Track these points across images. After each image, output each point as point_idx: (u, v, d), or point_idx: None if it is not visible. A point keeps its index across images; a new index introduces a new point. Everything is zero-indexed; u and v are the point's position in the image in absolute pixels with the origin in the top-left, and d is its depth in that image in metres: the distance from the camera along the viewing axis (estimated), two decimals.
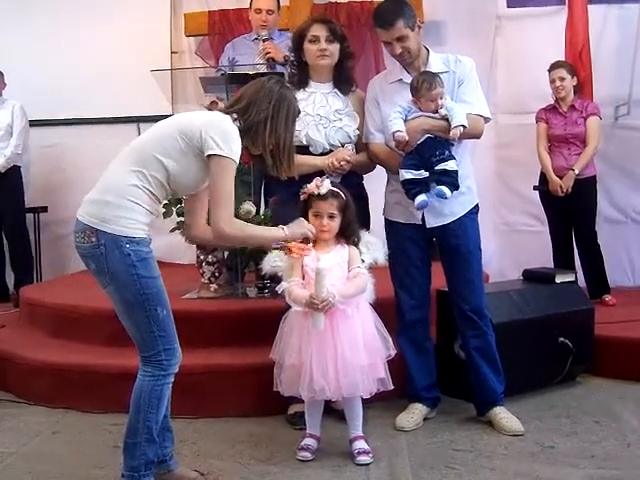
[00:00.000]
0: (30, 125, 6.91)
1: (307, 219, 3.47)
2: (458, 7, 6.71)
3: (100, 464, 3.51)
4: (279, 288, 3.49)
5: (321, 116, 3.90)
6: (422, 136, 3.66)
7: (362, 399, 3.52)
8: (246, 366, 4.18)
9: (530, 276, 4.83)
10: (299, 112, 3.29)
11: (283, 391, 3.52)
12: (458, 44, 6.17)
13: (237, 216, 4.61)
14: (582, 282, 5.43)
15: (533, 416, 3.99)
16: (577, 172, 5.55)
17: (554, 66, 5.70)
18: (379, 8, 3.80)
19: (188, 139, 2.97)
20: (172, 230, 4.89)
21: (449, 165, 3.63)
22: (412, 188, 3.66)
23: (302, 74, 4.02)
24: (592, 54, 6.07)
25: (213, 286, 4.96)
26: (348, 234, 3.51)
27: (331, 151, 3.90)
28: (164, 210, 4.45)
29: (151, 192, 2.97)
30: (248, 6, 5.89)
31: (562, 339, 4.39)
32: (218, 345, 4.38)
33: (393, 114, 3.69)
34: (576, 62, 5.92)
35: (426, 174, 3.64)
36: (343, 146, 3.92)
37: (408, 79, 3.80)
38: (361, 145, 3.98)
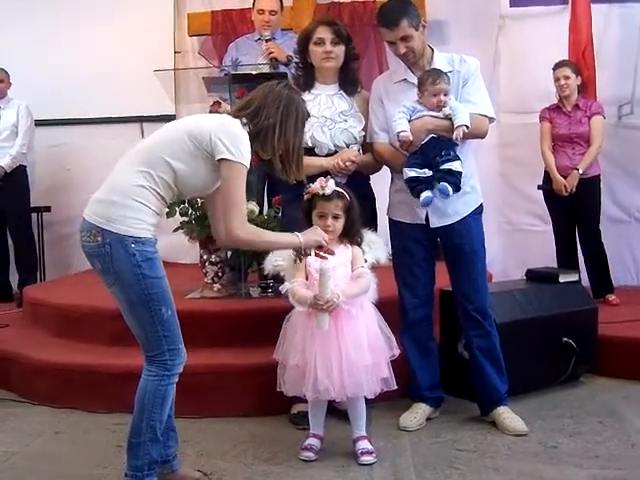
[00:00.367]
0: (35, 125, 6.91)
1: (310, 219, 3.47)
2: (461, 7, 6.70)
3: (103, 464, 3.51)
4: (282, 288, 3.49)
5: (326, 117, 3.91)
6: (426, 136, 3.66)
7: (365, 399, 3.52)
8: (249, 366, 4.18)
9: (533, 276, 4.82)
10: (308, 116, 3.28)
11: (286, 391, 3.51)
12: (461, 44, 6.18)
13: None
14: (586, 281, 5.42)
15: (536, 416, 3.98)
16: (581, 171, 5.55)
17: (559, 65, 5.70)
18: (383, 8, 3.80)
19: (197, 142, 2.97)
20: (175, 230, 4.90)
21: (454, 166, 3.62)
22: (416, 185, 3.65)
23: (307, 76, 4.03)
24: (595, 53, 6.07)
25: (216, 286, 4.96)
26: (352, 234, 3.51)
27: (336, 152, 3.90)
28: (167, 210, 4.45)
29: (158, 193, 2.97)
30: (251, 6, 5.90)
31: (566, 339, 4.38)
32: (221, 345, 4.37)
33: (398, 114, 3.69)
34: (579, 61, 5.92)
35: (430, 173, 3.63)
36: (348, 147, 3.92)
37: (412, 79, 3.80)
38: (367, 146, 3.98)
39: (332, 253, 3.30)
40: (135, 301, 2.93)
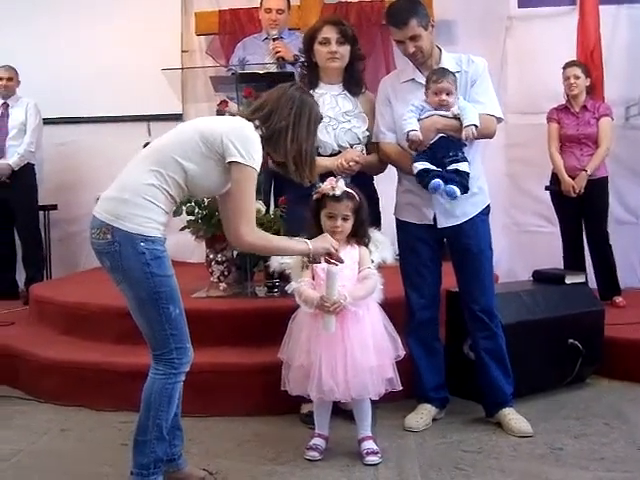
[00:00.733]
0: (42, 123, 6.92)
1: (319, 219, 3.47)
2: (469, 7, 6.70)
3: (109, 462, 3.51)
4: (289, 288, 3.49)
5: (330, 117, 3.90)
6: (435, 135, 3.66)
7: (370, 399, 3.51)
8: (254, 365, 4.18)
9: (540, 277, 4.81)
10: (321, 118, 3.28)
11: (291, 391, 3.51)
12: (469, 44, 6.18)
13: None
14: (592, 283, 5.41)
15: (542, 417, 3.98)
16: (589, 173, 5.54)
17: (569, 64, 5.71)
18: (392, 7, 3.79)
19: (209, 143, 2.97)
20: (182, 229, 4.90)
21: (461, 166, 3.62)
22: (425, 176, 3.64)
23: (312, 75, 4.02)
24: (603, 54, 6.06)
25: (222, 285, 4.96)
26: (360, 235, 3.51)
27: (340, 152, 3.89)
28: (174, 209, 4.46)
29: (168, 192, 2.97)
30: (258, 5, 5.90)
31: (572, 340, 4.37)
32: (226, 344, 4.38)
33: (407, 113, 3.68)
34: (587, 62, 5.92)
35: (439, 169, 3.63)
36: (352, 147, 3.92)
37: (420, 78, 3.79)
38: (371, 147, 3.98)
39: (341, 261, 3.29)
40: (143, 299, 2.93)
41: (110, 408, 4.17)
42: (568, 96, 5.73)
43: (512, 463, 3.44)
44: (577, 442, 3.67)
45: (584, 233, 5.78)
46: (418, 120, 3.67)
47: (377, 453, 3.48)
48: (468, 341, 4.12)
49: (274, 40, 5.43)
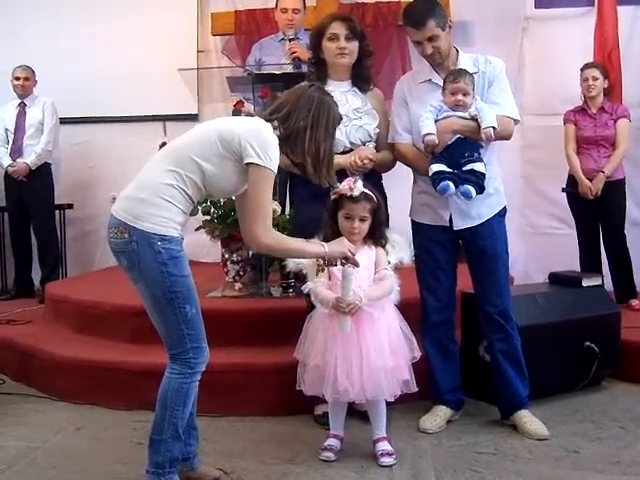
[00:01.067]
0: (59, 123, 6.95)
1: (336, 219, 3.46)
2: (486, 8, 6.67)
3: (124, 460, 3.52)
4: (305, 288, 3.48)
5: (341, 114, 3.87)
6: (453, 136, 3.64)
7: (385, 401, 3.51)
8: (270, 365, 4.18)
9: (556, 279, 4.79)
10: (340, 119, 3.27)
11: (306, 391, 3.51)
12: (486, 45, 6.17)
13: None
14: (609, 286, 5.38)
15: (558, 420, 3.96)
16: (607, 174, 5.51)
17: (588, 65, 5.69)
18: (410, 7, 3.78)
19: (227, 144, 2.97)
20: (197, 229, 4.91)
21: (477, 166, 3.61)
22: (438, 178, 3.62)
23: (320, 72, 3.97)
24: (621, 56, 6.03)
25: (237, 285, 4.97)
26: (377, 236, 3.50)
27: (352, 150, 3.86)
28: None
29: (185, 192, 2.97)
30: (274, 5, 5.90)
31: (588, 343, 4.35)
32: (242, 344, 4.38)
33: (424, 114, 3.67)
34: (605, 64, 5.88)
35: (452, 171, 3.62)
36: (364, 144, 3.90)
37: (437, 79, 3.78)
38: (381, 143, 3.96)
39: (357, 265, 3.28)
40: (160, 299, 2.94)
41: (124, 407, 4.18)
42: (585, 98, 5.70)
43: (527, 466, 3.43)
44: (593, 445, 3.65)
45: (601, 235, 5.75)
46: (435, 121, 3.66)
47: (392, 454, 3.48)
48: (483, 343, 4.10)
49: (290, 40, 5.42)
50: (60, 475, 3.42)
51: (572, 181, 5.72)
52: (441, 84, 3.73)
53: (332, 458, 3.51)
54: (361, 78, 3.98)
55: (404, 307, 3.57)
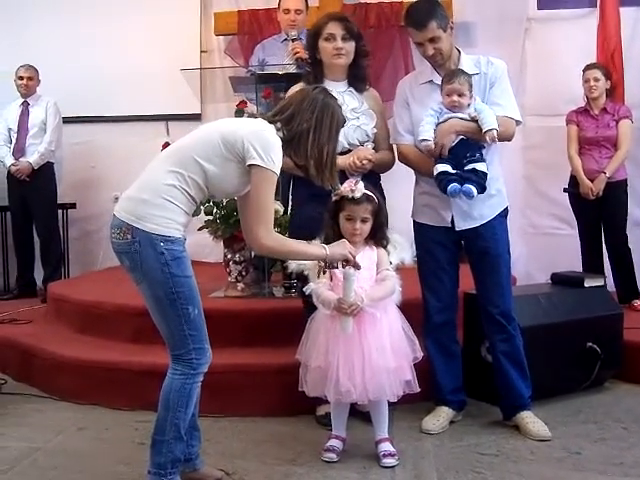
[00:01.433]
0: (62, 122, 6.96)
1: (337, 220, 3.46)
2: (488, 9, 6.67)
3: (126, 461, 3.52)
4: (306, 289, 3.47)
5: (345, 117, 3.85)
6: (455, 138, 3.64)
7: (388, 401, 3.51)
8: (272, 366, 4.18)
9: (558, 280, 4.79)
10: (344, 121, 3.26)
11: (308, 392, 3.50)
12: (488, 46, 6.15)
13: None
14: (611, 286, 5.37)
15: (560, 421, 3.96)
16: (608, 175, 5.51)
17: (590, 66, 5.68)
18: (412, 8, 3.77)
19: (230, 145, 2.96)
20: (200, 229, 4.91)
21: (479, 166, 3.61)
22: (444, 179, 3.62)
23: (317, 72, 3.96)
24: (624, 57, 6.02)
25: (240, 285, 4.97)
26: (378, 237, 3.49)
27: (350, 150, 3.85)
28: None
29: (188, 193, 2.97)
30: (277, 6, 5.90)
31: (590, 344, 4.35)
32: (244, 344, 4.39)
33: (425, 118, 3.66)
34: (608, 65, 5.87)
35: (456, 171, 3.61)
36: (362, 145, 3.89)
37: (439, 80, 3.77)
38: (379, 143, 3.96)
39: (358, 267, 3.27)
40: (162, 299, 2.94)
41: (126, 407, 4.19)
42: (588, 98, 5.71)
43: (530, 467, 3.43)
44: (595, 446, 3.64)
45: (603, 236, 5.75)
46: (437, 124, 3.65)
47: (394, 455, 3.48)
48: (486, 344, 4.11)
49: (293, 41, 5.42)
50: (62, 476, 3.42)
51: (574, 181, 5.72)
52: None
53: (334, 459, 3.50)
54: (358, 78, 3.97)
55: (406, 307, 3.57)
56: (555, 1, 6.59)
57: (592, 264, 5.64)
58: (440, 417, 3.91)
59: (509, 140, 3.86)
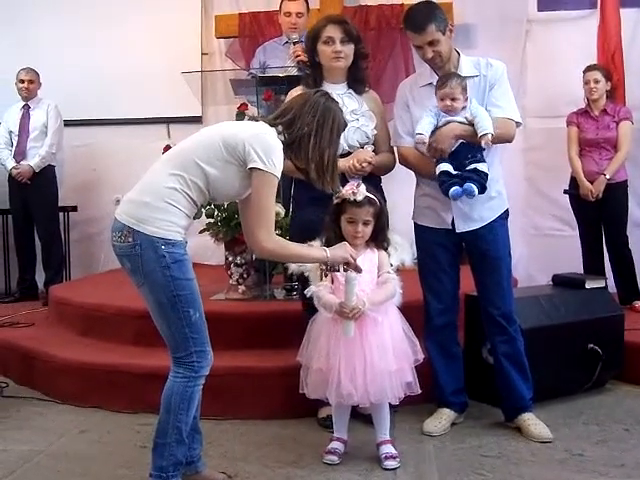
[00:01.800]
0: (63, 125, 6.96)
1: (338, 223, 3.46)
2: (488, 10, 6.69)
3: (128, 464, 3.52)
4: (308, 292, 3.47)
5: (346, 121, 3.84)
6: (455, 142, 3.64)
7: (389, 403, 3.51)
8: (273, 368, 4.18)
9: (559, 281, 4.79)
10: (345, 125, 3.26)
11: (309, 394, 3.51)
12: (488, 48, 6.18)
13: None
14: (612, 287, 5.37)
15: (562, 423, 3.96)
16: (608, 177, 5.52)
17: (590, 68, 5.69)
18: (411, 11, 3.77)
19: (231, 149, 2.97)
20: (201, 231, 4.91)
21: (480, 166, 3.61)
22: (446, 180, 3.62)
23: (316, 75, 3.96)
24: (624, 58, 6.02)
25: (241, 287, 4.97)
26: (379, 239, 3.49)
27: (350, 152, 3.85)
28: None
29: (189, 196, 2.97)
30: (278, 9, 5.91)
31: (591, 345, 4.35)
32: (245, 347, 4.38)
33: (425, 117, 3.67)
34: (608, 66, 5.88)
35: (458, 173, 3.62)
36: (362, 147, 3.88)
37: None
38: (379, 145, 3.96)
39: (359, 270, 3.28)
40: (164, 302, 2.94)
41: (128, 410, 4.19)
42: (588, 100, 5.71)
43: (531, 469, 3.42)
44: (597, 448, 3.64)
45: (604, 237, 5.75)
46: (436, 127, 3.65)
47: (396, 457, 3.48)
48: (487, 345, 4.11)
49: (294, 44, 5.43)
50: (63, 479, 3.42)
51: (574, 183, 5.73)
52: None
53: (336, 461, 3.50)
54: (357, 80, 3.97)
55: (407, 309, 3.57)
56: (555, 2, 6.61)
57: (593, 265, 5.65)
58: (442, 419, 3.91)
59: (510, 142, 3.86)
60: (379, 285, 3.44)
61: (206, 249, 6.14)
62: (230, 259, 4.97)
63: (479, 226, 3.80)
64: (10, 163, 6.71)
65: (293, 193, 4.20)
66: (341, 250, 3.25)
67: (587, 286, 4.62)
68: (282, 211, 4.75)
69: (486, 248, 3.80)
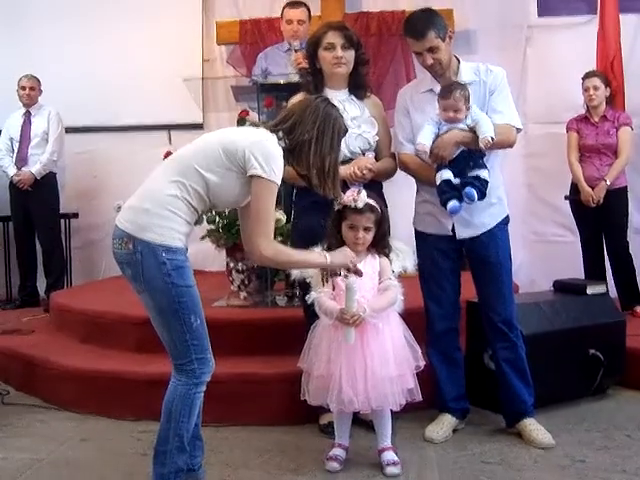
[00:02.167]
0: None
1: (340, 229, 3.46)
2: (489, 17, 6.71)
3: (129, 471, 3.52)
4: (309, 298, 3.47)
5: (347, 127, 3.84)
6: (457, 149, 3.64)
7: (390, 410, 3.50)
8: (274, 374, 4.18)
9: (561, 287, 4.78)
10: (346, 131, 3.25)
11: (310, 400, 3.50)
12: (489, 54, 6.19)
13: None
14: (613, 293, 5.37)
15: (563, 429, 3.95)
16: (609, 182, 5.52)
17: (589, 75, 5.69)
18: (410, 18, 3.77)
19: (231, 156, 2.96)
20: (202, 238, 4.91)
21: (481, 173, 3.62)
22: (446, 191, 3.63)
23: (317, 81, 3.96)
24: (624, 64, 6.03)
25: (242, 294, 4.97)
26: (381, 246, 3.49)
27: (351, 159, 3.84)
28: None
29: (190, 203, 2.97)
30: (279, 15, 5.92)
31: (593, 351, 4.35)
32: (247, 353, 4.37)
33: (426, 125, 3.67)
34: (607, 72, 5.88)
35: (458, 184, 3.61)
36: (364, 154, 3.88)
37: (438, 89, 3.78)
38: (381, 151, 3.96)
39: (360, 274, 3.28)
40: (164, 309, 2.94)
41: (129, 417, 4.18)
42: (588, 106, 5.72)
43: (533, 475, 3.42)
44: (599, 454, 3.64)
45: (604, 243, 5.75)
46: (438, 135, 3.66)
47: (397, 464, 3.47)
48: (488, 351, 4.11)
49: (296, 51, 5.43)
50: None
51: (575, 189, 5.74)
52: None
53: (337, 468, 3.50)
54: (358, 86, 3.97)
55: (408, 316, 3.56)
56: (555, 8, 6.62)
57: (594, 271, 5.66)
58: (443, 425, 3.91)
59: (510, 147, 3.86)
60: (380, 292, 3.43)
61: (207, 255, 6.14)
62: (231, 265, 4.97)
63: (479, 232, 3.80)
64: (11, 170, 6.73)
65: (294, 200, 4.19)
66: (341, 255, 3.25)
67: (588, 292, 4.62)
68: (283, 218, 4.75)
69: (487, 254, 3.80)
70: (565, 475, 3.41)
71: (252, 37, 6.98)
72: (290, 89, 4.51)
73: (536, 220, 6.78)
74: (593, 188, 5.57)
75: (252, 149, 2.95)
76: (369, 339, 3.37)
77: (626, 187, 5.71)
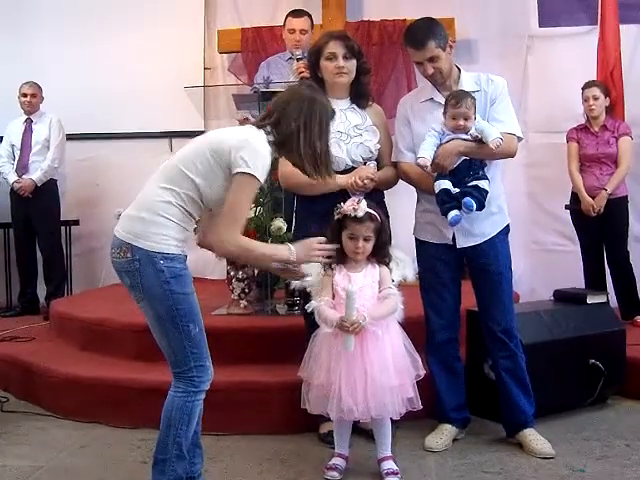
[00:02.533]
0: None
1: (340, 239, 3.45)
2: (490, 26, 6.73)
3: (128, 479, 3.51)
4: (309, 307, 3.47)
5: (341, 132, 3.85)
6: (458, 159, 3.65)
7: (390, 419, 3.50)
8: (274, 383, 4.17)
9: (561, 296, 4.78)
10: (333, 113, 3.22)
11: (310, 409, 3.50)
12: (489, 63, 6.22)
13: (268, 233, 4.65)
14: (614, 302, 5.37)
15: (563, 439, 3.94)
16: (609, 192, 5.52)
17: (588, 85, 5.70)
18: (411, 28, 3.78)
19: (218, 156, 2.96)
20: None
21: (481, 184, 3.61)
22: (447, 201, 3.63)
23: None
24: (624, 74, 6.04)
25: (243, 302, 4.96)
26: (381, 255, 3.49)
27: (353, 168, 3.85)
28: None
29: (184, 209, 2.97)
30: (281, 24, 5.94)
31: (593, 361, 4.34)
32: (247, 362, 4.37)
33: (427, 137, 3.67)
34: (607, 82, 5.89)
35: (457, 194, 3.61)
36: (365, 162, 3.89)
37: (439, 98, 3.79)
38: (382, 159, 3.96)
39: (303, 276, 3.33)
40: (163, 317, 2.94)
41: (129, 425, 4.18)
42: (588, 116, 5.72)
43: None
44: (599, 464, 3.63)
45: (605, 252, 5.75)
46: (440, 144, 3.66)
47: (397, 473, 3.47)
48: (488, 361, 4.10)
49: (298, 60, 5.44)
50: None
51: (575, 198, 5.74)
52: (443, 103, 3.73)
53: (337, 477, 3.49)
54: (360, 95, 3.98)
55: (408, 325, 3.56)
56: (556, 19, 6.63)
57: (594, 280, 5.66)
58: (443, 435, 3.90)
59: (512, 156, 3.86)
60: (380, 300, 3.43)
61: (208, 263, 6.14)
62: (232, 274, 4.96)
63: (480, 241, 3.80)
64: (12, 177, 6.72)
65: (295, 208, 4.19)
66: (305, 248, 3.21)
67: (589, 301, 4.62)
68: (284, 226, 4.75)
69: (486, 263, 3.80)
70: None
71: (254, 45, 6.99)
72: None
73: (537, 229, 6.77)
74: (593, 197, 5.57)
75: (239, 149, 2.93)
76: (369, 347, 3.36)
77: (626, 196, 5.71)
